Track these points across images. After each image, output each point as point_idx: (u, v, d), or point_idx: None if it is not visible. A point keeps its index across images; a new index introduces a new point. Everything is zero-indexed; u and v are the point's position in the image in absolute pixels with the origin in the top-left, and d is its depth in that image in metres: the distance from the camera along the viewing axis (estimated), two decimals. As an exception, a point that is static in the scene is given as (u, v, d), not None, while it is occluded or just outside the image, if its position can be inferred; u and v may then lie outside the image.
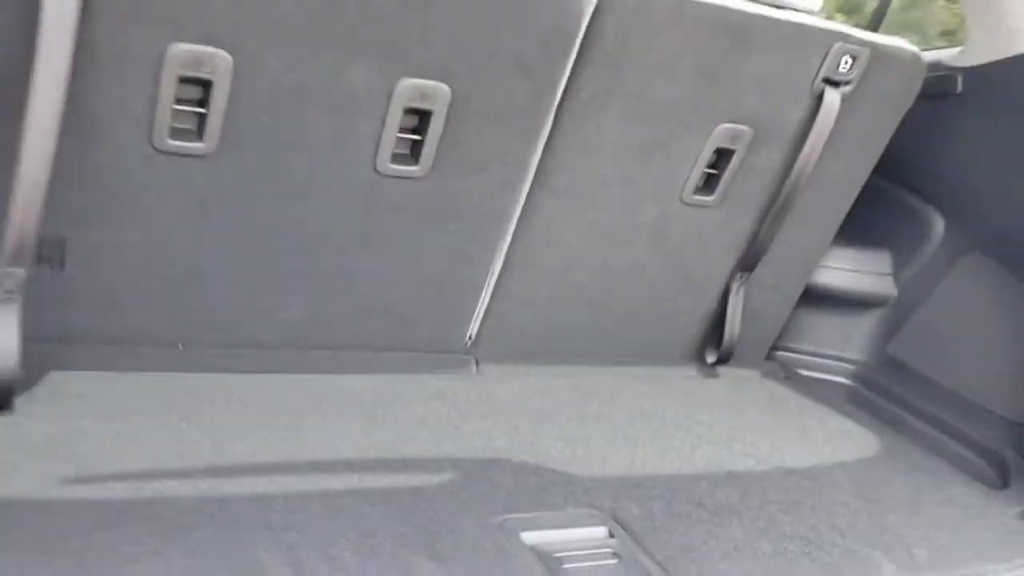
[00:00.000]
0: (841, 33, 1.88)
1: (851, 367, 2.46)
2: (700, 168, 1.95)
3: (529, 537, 1.39)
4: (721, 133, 1.90)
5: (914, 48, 1.98)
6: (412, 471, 1.52)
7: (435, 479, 1.51)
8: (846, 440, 2.02)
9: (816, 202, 2.11)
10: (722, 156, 1.96)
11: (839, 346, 2.47)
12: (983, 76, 2.08)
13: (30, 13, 1.28)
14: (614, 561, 1.38)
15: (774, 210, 2.05)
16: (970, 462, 2.05)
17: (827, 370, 2.46)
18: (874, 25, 2.35)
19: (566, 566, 1.33)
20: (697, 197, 1.99)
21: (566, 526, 1.44)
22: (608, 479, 1.60)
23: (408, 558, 1.27)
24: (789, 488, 1.72)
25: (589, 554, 1.38)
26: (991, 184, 2.13)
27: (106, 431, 1.43)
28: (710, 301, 2.20)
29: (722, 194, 2.01)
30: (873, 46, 1.91)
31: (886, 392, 2.34)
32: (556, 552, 1.36)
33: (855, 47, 1.88)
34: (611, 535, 1.44)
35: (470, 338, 1.99)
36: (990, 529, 1.72)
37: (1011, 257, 2.11)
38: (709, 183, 2.00)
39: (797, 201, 2.04)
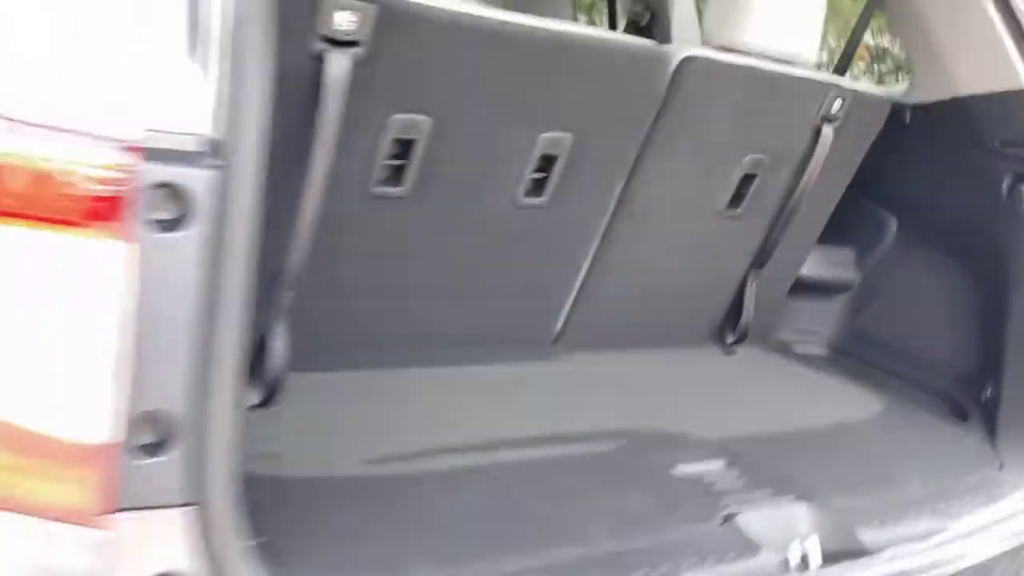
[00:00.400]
0: (834, 84, 2.46)
1: (827, 341, 3.07)
2: (731, 189, 2.49)
3: (676, 471, 1.89)
4: (748, 161, 2.45)
5: (881, 91, 2.59)
6: (573, 439, 2.00)
7: (591, 441, 1.99)
8: (845, 396, 2.61)
9: (809, 211, 2.70)
10: (746, 179, 2.51)
11: (817, 324, 3.07)
12: (926, 112, 2.70)
13: (310, 95, 1.69)
14: (741, 481, 1.89)
15: (781, 219, 2.61)
16: (933, 405, 2.67)
17: (810, 344, 3.05)
18: (841, 70, 2.97)
19: (713, 488, 1.84)
20: (727, 211, 2.54)
21: (695, 461, 1.95)
22: (708, 432, 2.12)
23: (616, 488, 1.76)
24: (829, 432, 2.29)
25: (720, 478, 1.89)
26: (933, 193, 2.77)
27: (352, 418, 1.85)
28: (730, 293, 2.75)
29: (745, 208, 2.56)
30: (855, 92, 2.50)
31: (857, 359, 2.95)
32: (702, 479, 1.87)
33: (844, 92, 2.47)
34: (729, 466, 1.96)
35: (557, 332, 2.47)
36: (966, 448, 2.34)
37: (950, 248, 2.75)
38: (735, 199, 2.54)
39: (797, 212, 2.62)
